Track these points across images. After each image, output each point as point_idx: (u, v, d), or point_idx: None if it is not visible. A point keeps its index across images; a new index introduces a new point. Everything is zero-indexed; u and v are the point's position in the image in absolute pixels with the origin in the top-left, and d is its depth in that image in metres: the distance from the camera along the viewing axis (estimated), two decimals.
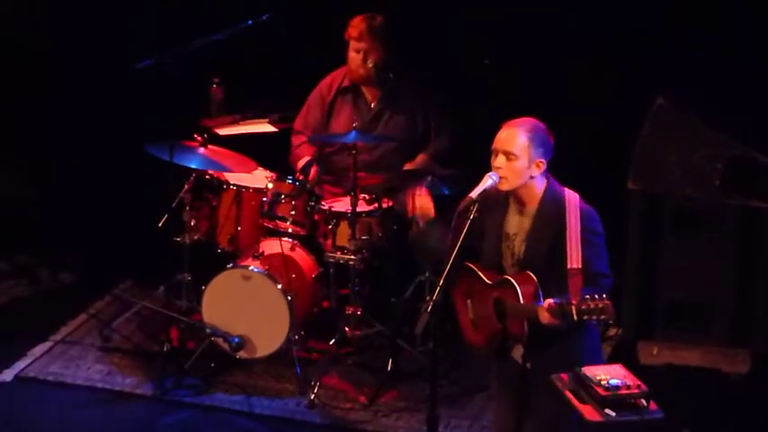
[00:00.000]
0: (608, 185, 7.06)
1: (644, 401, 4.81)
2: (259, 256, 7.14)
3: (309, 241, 7.34)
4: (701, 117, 7.13)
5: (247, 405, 6.96)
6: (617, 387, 4.81)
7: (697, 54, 7.29)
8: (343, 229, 7.14)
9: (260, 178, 7.35)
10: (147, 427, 6.83)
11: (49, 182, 8.81)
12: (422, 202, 5.74)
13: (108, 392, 7.04)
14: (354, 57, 7.42)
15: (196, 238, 7.39)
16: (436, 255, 5.41)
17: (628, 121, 7.33)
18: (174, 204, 7.17)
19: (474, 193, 5.20)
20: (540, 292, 5.12)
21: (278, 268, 7.13)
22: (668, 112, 7.18)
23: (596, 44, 7.67)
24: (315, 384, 6.96)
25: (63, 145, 8.56)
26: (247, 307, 7.09)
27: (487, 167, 5.26)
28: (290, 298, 7.04)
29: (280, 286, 7.06)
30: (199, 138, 7.28)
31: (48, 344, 7.49)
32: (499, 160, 5.23)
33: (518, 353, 5.31)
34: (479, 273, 5.34)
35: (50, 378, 7.16)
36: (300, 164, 7.42)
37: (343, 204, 7.20)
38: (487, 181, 5.23)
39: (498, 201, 5.33)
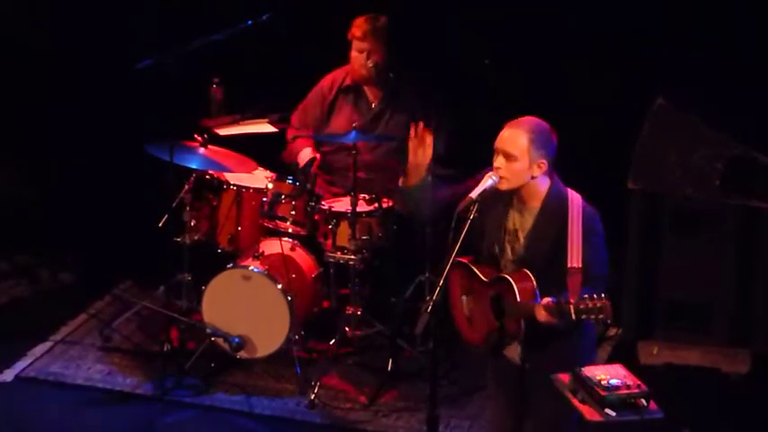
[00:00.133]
0: (608, 185, 7.05)
1: (644, 401, 4.81)
2: (259, 256, 7.14)
3: (309, 241, 7.33)
4: (701, 117, 7.13)
5: (247, 405, 6.96)
6: (617, 387, 4.80)
7: (697, 54, 7.28)
8: (344, 229, 7.14)
9: (260, 178, 7.35)
10: (147, 427, 6.82)
11: (49, 182, 8.80)
12: (419, 160, 5.46)
13: (108, 392, 7.03)
14: (357, 56, 7.42)
15: (196, 238, 7.39)
16: (415, 214, 5.48)
17: (628, 121, 7.33)
18: (174, 204, 7.17)
19: (474, 194, 5.18)
20: (538, 291, 5.12)
21: (278, 268, 7.13)
22: (668, 112, 7.18)
23: (596, 44, 7.67)
24: (315, 384, 6.96)
25: (63, 145, 8.56)
26: (247, 307, 7.09)
27: (487, 167, 5.26)
28: (290, 298, 7.04)
29: (280, 286, 7.05)
30: (199, 138, 7.27)
31: (48, 344, 7.48)
32: (499, 161, 5.22)
33: (513, 351, 5.30)
34: (474, 269, 5.33)
35: (50, 378, 7.15)
36: (300, 162, 7.42)
37: (343, 204, 7.20)
38: (488, 181, 5.21)
39: (501, 197, 5.31)
